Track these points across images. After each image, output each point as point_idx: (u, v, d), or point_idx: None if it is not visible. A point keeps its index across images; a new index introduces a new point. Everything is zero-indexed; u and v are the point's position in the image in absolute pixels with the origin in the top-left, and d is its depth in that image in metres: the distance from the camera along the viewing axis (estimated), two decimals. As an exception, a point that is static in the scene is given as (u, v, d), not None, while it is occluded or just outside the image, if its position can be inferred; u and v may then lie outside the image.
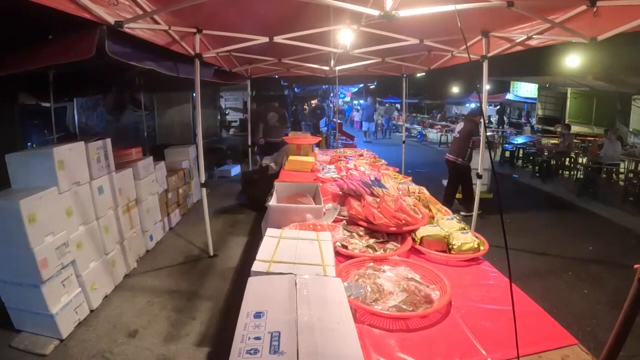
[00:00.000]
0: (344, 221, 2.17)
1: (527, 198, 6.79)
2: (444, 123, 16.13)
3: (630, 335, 0.91)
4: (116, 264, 3.36)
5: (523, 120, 15.34)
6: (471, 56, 3.92)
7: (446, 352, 1.19)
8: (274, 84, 9.59)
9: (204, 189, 3.84)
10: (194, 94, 3.98)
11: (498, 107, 16.11)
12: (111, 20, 2.34)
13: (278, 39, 3.63)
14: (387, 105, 19.22)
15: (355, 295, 1.34)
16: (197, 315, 2.96)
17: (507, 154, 10.16)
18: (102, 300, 3.07)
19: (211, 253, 4.00)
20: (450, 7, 2.32)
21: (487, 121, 14.34)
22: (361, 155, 4.65)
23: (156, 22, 2.88)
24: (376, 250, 1.86)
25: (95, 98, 6.94)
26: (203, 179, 3.79)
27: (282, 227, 1.91)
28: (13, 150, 2.80)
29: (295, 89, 11.83)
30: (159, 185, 4.48)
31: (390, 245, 1.91)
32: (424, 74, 8.01)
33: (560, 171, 8.55)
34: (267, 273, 1.34)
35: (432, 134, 15.58)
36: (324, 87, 12.86)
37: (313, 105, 12.52)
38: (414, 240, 1.96)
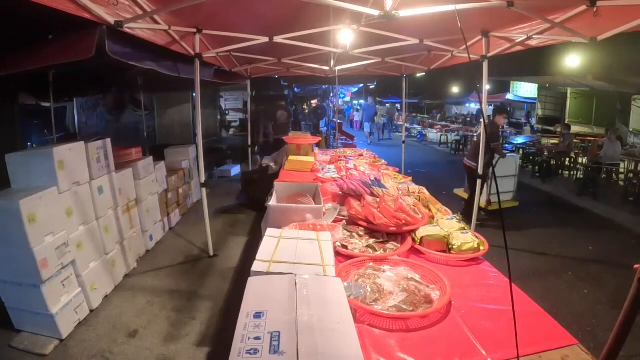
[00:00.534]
0: (344, 221, 2.17)
1: (527, 198, 6.79)
2: (444, 123, 16.13)
3: (630, 335, 0.91)
4: (116, 264, 3.36)
5: (523, 121, 15.33)
6: (471, 56, 3.92)
7: (446, 352, 1.19)
8: (274, 84, 9.60)
9: (204, 189, 3.84)
10: (194, 94, 3.97)
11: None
12: (111, 20, 2.34)
13: (278, 39, 3.63)
14: (388, 105, 19.07)
15: (355, 295, 1.34)
16: (197, 315, 2.96)
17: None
18: (102, 300, 3.07)
19: (211, 253, 4.00)
20: (450, 7, 2.32)
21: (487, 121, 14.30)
22: (361, 155, 4.65)
23: (156, 22, 2.88)
24: (376, 250, 1.86)
25: (95, 98, 6.94)
26: (203, 179, 3.79)
27: (282, 227, 1.91)
28: (13, 150, 2.81)
29: (295, 89, 11.84)
30: (159, 185, 4.48)
31: (390, 245, 1.91)
32: (424, 74, 8.00)
33: (560, 171, 8.55)
34: (267, 273, 1.34)
35: (432, 134, 15.56)
36: (324, 87, 12.85)
37: (313, 105, 12.53)
38: (414, 240, 1.96)
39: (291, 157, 4.29)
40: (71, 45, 2.52)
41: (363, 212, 2.11)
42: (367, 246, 1.89)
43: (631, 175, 6.97)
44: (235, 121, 10.11)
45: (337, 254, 1.77)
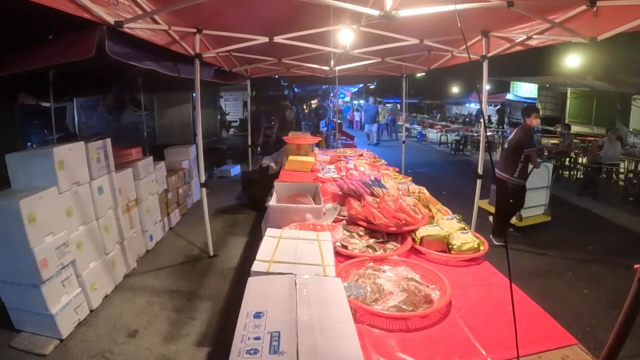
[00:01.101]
0: (344, 221, 2.17)
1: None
2: (443, 123, 16.13)
3: (630, 335, 0.91)
4: (116, 264, 3.36)
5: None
6: (471, 56, 3.92)
7: (446, 352, 1.19)
8: (274, 84, 9.61)
9: (204, 189, 3.84)
10: (194, 94, 3.98)
11: (498, 107, 16.09)
12: (111, 20, 2.33)
13: (278, 39, 3.63)
14: (391, 105, 18.93)
15: (355, 295, 1.34)
16: (197, 315, 2.96)
17: (507, 154, 10.15)
18: (102, 300, 3.07)
19: (211, 253, 4.00)
20: (450, 7, 2.32)
21: (487, 121, 14.30)
22: (361, 155, 4.65)
23: (156, 22, 2.88)
24: (376, 250, 1.86)
25: (95, 98, 6.94)
26: (203, 179, 3.79)
27: (282, 227, 1.91)
28: (13, 150, 2.80)
29: (295, 89, 11.86)
30: (159, 185, 4.48)
31: (390, 245, 1.91)
32: (424, 74, 8.01)
33: (560, 171, 8.55)
34: (267, 273, 1.34)
35: (432, 134, 15.56)
36: (324, 87, 12.86)
37: (315, 105, 12.54)
38: (414, 240, 1.96)
39: (291, 157, 4.29)
40: (71, 45, 2.52)
41: (363, 212, 2.11)
42: (367, 246, 1.89)
43: (631, 175, 6.97)
44: (235, 121, 10.12)
45: (337, 254, 1.77)
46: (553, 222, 5.14)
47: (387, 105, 18.48)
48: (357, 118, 20.02)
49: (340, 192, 2.54)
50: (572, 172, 8.40)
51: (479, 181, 4.04)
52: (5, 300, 2.61)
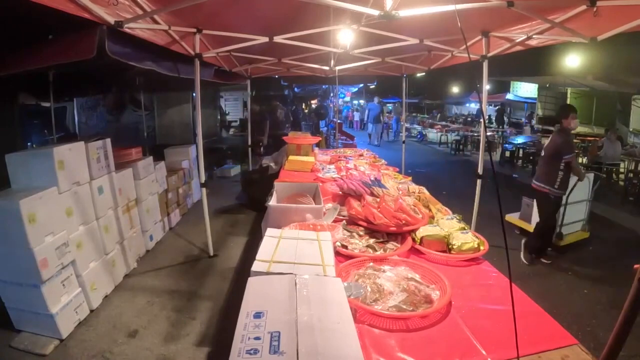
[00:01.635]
0: (344, 221, 2.17)
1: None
2: (443, 123, 16.13)
3: (630, 335, 0.91)
4: (116, 264, 3.36)
5: (523, 121, 15.30)
6: (471, 56, 3.92)
7: (446, 352, 1.19)
8: (274, 84, 9.62)
9: (204, 189, 3.84)
10: (194, 94, 3.98)
11: (498, 107, 16.10)
12: (111, 20, 2.34)
13: (278, 39, 3.63)
14: (392, 105, 18.86)
15: (355, 295, 1.34)
16: (197, 315, 2.96)
17: (507, 153, 10.17)
18: (102, 300, 3.07)
19: (211, 253, 4.00)
20: (450, 7, 2.32)
21: (487, 121, 14.28)
22: (361, 155, 4.65)
23: (156, 22, 2.88)
24: (376, 250, 1.86)
25: (95, 98, 6.94)
26: (203, 179, 3.79)
27: (282, 227, 1.91)
28: (13, 150, 2.80)
29: (295, 89, 11.87)
30: (159, 185, 4.48)
31: (390, 245, 1.91)
32: (424, 74, 8.01)
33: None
34: (267, 273, 1.34)
35: (432, 134, 15.56)
36: (324, 87, 12.86)
37: (315, 105, 12.54)
38: (414, 240, 1.96)
39: (291, 157, 4.29)
40: (71, 46, 2.52)
41: (363, 212, 2.11)
42: (367, 246, 1.89)
43: (631, 175, 6.97)
44: (235, 121, 10.12)
45: (337, 254, 1.77)
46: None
47: (387, 105, 18.47)
48: (356, 118, 20.01)
49: (340, 192, 2.54)
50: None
51: (479, 181, 4.04)
52: (5, 300, 2.61)
